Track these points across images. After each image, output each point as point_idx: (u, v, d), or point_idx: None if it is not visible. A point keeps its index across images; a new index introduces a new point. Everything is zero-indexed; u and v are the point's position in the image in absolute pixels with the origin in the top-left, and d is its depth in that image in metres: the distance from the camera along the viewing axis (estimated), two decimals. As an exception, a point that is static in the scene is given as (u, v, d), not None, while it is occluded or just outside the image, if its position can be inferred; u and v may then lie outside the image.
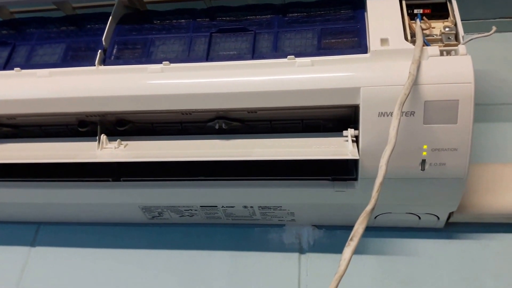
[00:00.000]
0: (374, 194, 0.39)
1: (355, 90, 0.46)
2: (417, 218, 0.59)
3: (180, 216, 0.63)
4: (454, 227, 0.61)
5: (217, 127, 0.52)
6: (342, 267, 0.36)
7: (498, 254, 0.58)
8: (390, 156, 0.41)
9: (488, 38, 0.50)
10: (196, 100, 0.49)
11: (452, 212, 0.57)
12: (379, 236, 0.62)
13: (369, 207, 0.39)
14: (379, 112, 0.46)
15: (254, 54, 0.51)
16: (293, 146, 0.50)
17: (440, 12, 0.51)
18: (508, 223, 0.59)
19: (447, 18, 0.51)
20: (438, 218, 0.58)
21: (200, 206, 0.60)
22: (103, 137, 0.54)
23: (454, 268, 0.58)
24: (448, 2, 0.51)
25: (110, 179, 0.57)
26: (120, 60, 0.54)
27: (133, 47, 0.55)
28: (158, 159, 0.51)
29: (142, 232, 0.67)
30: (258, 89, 0.48)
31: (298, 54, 0.49)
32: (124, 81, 0.52)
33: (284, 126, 0.53)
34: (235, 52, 0.52)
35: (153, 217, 0.64)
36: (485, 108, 0.70)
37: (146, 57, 0.53)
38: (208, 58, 0.52)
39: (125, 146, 0.53)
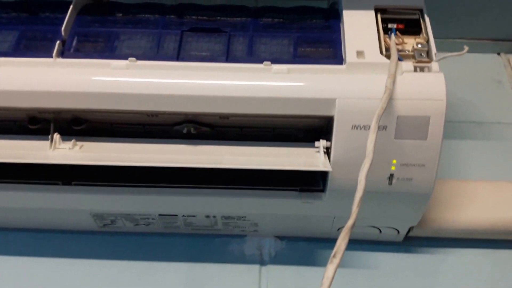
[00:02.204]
0: (355, 209, 0.39)
1: (331, 101, 0.46)
2: (378, 231, 0.59)
3: (135, 225, 0.60)
4: (412, 241, 0.61)
5: (185, 131, 0.49)
6: (325, 286, 0.35)
7: (454, 268, 0.60)
8: (368, 170, 0.40)
9: (453, 58, 0.51)
10: (166, 102, 0.46)
11: (412, 227, 0.58)
12: (340, 249, 0.61)
13: (350, 222, 0.38)
14: (352, 125, 0.46)
15: (229, 56, 0.49)
16: (263, 155, 0.48)
17: (413, 28, 0.52)
18: (464, 238, 0.61)
19: (419, 35, 0.52)
20: (399, 232, 0.59)
21: (159, 215, 0.57)
22: (57, 136, 0.49)
23: (412, 281, 0.59)
24: (421, 19, 0.52)
25: (60, 182, 0.52)
26: (80, 53, 0.50)
27: (96, 40, 0.51)
28: (116, 163, 0.47)
29: (91, 240, 0.62)
30: (233, 94, 0.46)
31: (274, 61, 0.48)
32: (84, 76, 0.47)
33: (255, 133, 0.51)
34: (208, 53, 0.49)
35: (105, 225, 0.60)
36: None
37: (109, 51, 0.50)
38: (178, 57, 0.49)
39: (80, 147, 0.49)
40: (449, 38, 0.80)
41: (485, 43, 0.84)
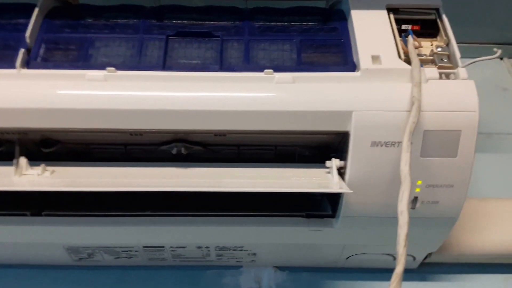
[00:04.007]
0: (402, 250, 0.32)
1: (346, 115, 0.39)
2: (392, 258, 0.53)
3: (116, 258, 0.52)
4: (427, 268, 0.55)
5: (174, 151, 0.42)
6: None
7: (474, 296, 0.54)
8: (408, 198, 0.33)
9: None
10: (151, 118, 0.39)
11: (431, 253, 0.52)
12: (349, 279, 0.55)
13: (399, 269, 0.31)
14: (372, 141, 0.39)
15: (223, 65, 0.42)
16: (268, 177, 0.42)
17: (428, 29, 0.46)
18: (485, 263, 0.55)
19: (436, 37, 0.46)
20: (414, 258, 0.53)
21: (143, 247, 0.49)
22: (23, 160, 0.42)
23: (430, 313, 0.53)
24: (438, 20, 0.46)
25: (28, 213, 0.44)
26: (49, 63, 0.42)
27: (66, 47, 0.43)
28: (91, 189, 0.40)
29: (65, 276, 0.54)
30: (231, 108, 0.39)
31: (276, 68, 0.41)
32: (54, 90, 0.40)
33: (254, 152, 0.44)
34: (198, 61, 0.42)
35: (81, 258, 0.52)
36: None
37: (83, 60, 0.42)
38: (165, 66, 0.42)
39: (51, 173, 0.42)
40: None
41: (487, 47, 0.79)
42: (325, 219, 0.46)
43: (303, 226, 0.46)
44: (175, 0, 0.49)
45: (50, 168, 0.42)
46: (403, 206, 0.33)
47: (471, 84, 0.40)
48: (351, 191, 0.39)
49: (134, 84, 0.40)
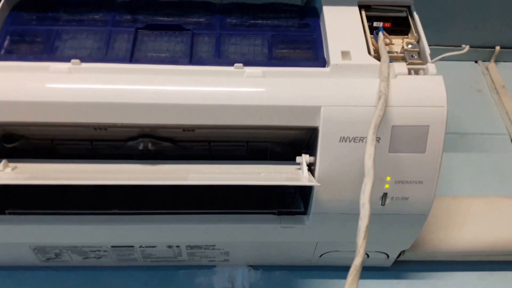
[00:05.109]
0: (361, 242, 0.31)
1: (315, 110, 0.39)
2: (366, 256, 0.52)
3: (84, 258, 0.50)
4: (401, 266, 0.55)
5: (141, 147, 0.41)
6: None
7: (448, 294, 0.54)
8: (371, 191, 0.33)
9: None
10: (117, 112, 0.38)
11: (404, 250, 0.52)
12: (322, 277, 0.55)
13: (358, 261, 0.30)
14: (341, 137, 0.39)
15: (193, 58, 0.41)
16: (237, 173, 0.41)
17: (399, 27, 0.46)
18: (458, 261, 0.55)
19: (407, 35, 0.46)
20: (388, 256, 0.53)
21: (111, 247, 0.48)
22: (-18, 156, 0.40)
23: (403, 311, 0.53)
24: (409, 17, 0.46)
25: (-11, 211, 0.43)
26: (13, 55, 0.41)
27: (32, 39, 0.42)
28: (56, 182, 0.38)
29: (32, 277, 0.53)
30: (199, 102, 0.38)
31: (246, 63, 0.41)
32: (17, 82, 0.39)
33: (225, 148, 0.43)
34: (167, 55, 0.42)
35: (48, 259, 0.51)
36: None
37: (48, 53, 0.41)
38: (132, 59, 0.41)
39: (12, 169, 0.40)
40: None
41: (463, 48, 0.80)
42: (296, 216, 0.45)
43: (275, 223, 0.45)
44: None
45: (12, 165, 0.40)
46: (365, 199, 0.32)
47: (439, 79, 0.40)
48: (319, 184, 0.38)
49: (99, 76, 0.39)
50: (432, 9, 0.75)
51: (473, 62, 0.82)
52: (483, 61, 0.82)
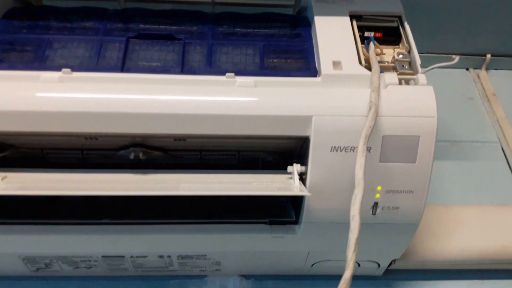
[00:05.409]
0: (351, 255, 0.31)
1: (306, 119, 0.39)
2: (357, 265, 0.53)
3: (75, 268, 0.50)
4: (393, 275, 0.55)
5: (132, 156, 0.41)
6: None
7: (439, 304, 0.54)
8: (361, 203, 0.33)
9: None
10: (107, 122, 0.38)
11: (395, 259, 0.52)
12: (314, 286, 0.55)
13: (347, 274, 0.30)
14: (332, 146, 0.39)
15: (184, 67, 0.41)
16: (228, 182, 0.41)
17: (391, 37, 0.46)
18: (449, 270, 0.55)
19: (398, 45, 0.46)
20: (379, 265, 0.53)
21: (102, 257, 0.48)
22: (-29, 165, 0.40)
23: (395, 321, 0.53)
24: (400, 27, 0.46)
25: (-21, 221, 0.43)
26: (3, 63, 0.41)
27: (23, 48, 0.42)
28: (46, 192, 0.38)
29: (22, 287, 0.52)
30: (190, 112, 0.38)
31: (238, 72, 0.41)
32: (7, 92, 0.39)
33: (217, 158, 0.43)
34: (159, 64, 0.42)
35: (38, 269, 0.50)
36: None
37: (39, 61, 0.41)
38: (123, 68, 0.41)
39: (2, 179, 0.40)
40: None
41: (453, 58, 0.81)
42: (288, 225, 0.45)
43: (266, 233, 0.45)
44: (143, 4, 0.49)
45: (1, 174, 0.40)
46: (355, 211, 0.32)
47: (430, 90, 0.40)
48: (309, 194, 0.38)
49: (90, 86, 0.39)
50: (423, 17, 0.75)
51: (465, 70, 0.83)
52: (475, 68, 0.83)
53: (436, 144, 0.68)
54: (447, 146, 0.71)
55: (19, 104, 0.38)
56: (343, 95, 0.40)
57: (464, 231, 0.54)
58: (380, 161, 0.40)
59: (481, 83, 0.80)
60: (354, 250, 0.31)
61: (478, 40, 0.80)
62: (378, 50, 0.45)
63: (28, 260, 0.49)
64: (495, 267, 0.55)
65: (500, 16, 0.77)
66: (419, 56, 0.44)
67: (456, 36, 0.79)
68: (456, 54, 0.80)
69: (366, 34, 0.46)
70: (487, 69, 0.82)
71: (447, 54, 0.80)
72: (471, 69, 0.83)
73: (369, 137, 0.36)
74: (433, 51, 0.80)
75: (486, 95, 0.78)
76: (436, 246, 0.52)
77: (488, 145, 0.72)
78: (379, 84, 0.39)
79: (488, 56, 0.81)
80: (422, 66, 0.45)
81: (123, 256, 0.48)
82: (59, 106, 0.38)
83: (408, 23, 0.46)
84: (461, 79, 0.82)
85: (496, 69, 0.83)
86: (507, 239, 0.52)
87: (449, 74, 0.81)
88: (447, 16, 0.76)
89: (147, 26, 0.45)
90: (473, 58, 0.82)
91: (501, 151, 0.71)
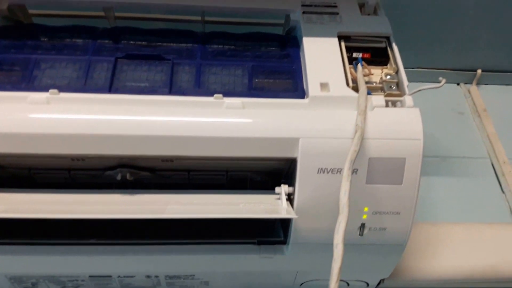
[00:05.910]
0: (334, 285, 0.31)
1: (294, 141, 0.39)
2: (346, 284, 0.52)
3: None
4: (382, 293, 0.55)
5: (119, 177, 0.41)
6: None
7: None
8: (345, 229, 0.33)
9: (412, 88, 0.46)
10: (94, 143, 0.38)
11: (383, 279, 0.52)
12: (304, 305, 0.54)
13: None
14: (319, 168, 0.39)
15: (172, 88, 0.41)
16: (216, 203, 0.41)
17: (379, 57, 0.47)
18: (438, 288, 0.55)
19: (387, 65, 0.47)
20: (368, 284, 0.52)
21: (90, 276, 0.47)
22: (-43, 185, 0.40)
23: None
24: (388, 48, 0.47)
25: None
26: (-10, 84, 0.41)
27: (10, 68, 0.42)
28: (32, 216, 0.38)
29: (8, 306, 0.51)
30: (178, 133, 0.38)
31: (226, 93, 0.41)
32: (-8, 113, 0.38)
33: (205, 178, 0.43)
34: (147, 84, 0.42)
35: None
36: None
37: (27, 82, 0.41)
38: (111, 89, 0.41)
39: (-12, 199, 0.40)
40: (407, 68, 0.77)
41: (444, 73, 0.82)
42: (276, 245, 0.45)
43: (255, 253, 0.45)
44: (134, 23, 0.49)
45: (-13, 194, 0.40)
46: (338, 239, 0.32)
47: (416, 112, 0.40)
48: (296, 216, 0.38)
49: (78, 107, 0.39)
50: (414, 31, 0.76)
51: (455, 84, 0.84)
52: (465, 83, 0.84)
53: (426, 159, 0.68)
54: (437, 162, 0.71)
55: (5, 126, 0.38)
56: (330, 117, 0.40)
57: (452, 250, 0.54)
58: (367, 182, 0.40)
59: (472, 98, 0.81)
60: (337, 281, 0.31)
61: (469, 55, 0.80)
62: (366, 71, 0.46)
63: (15, 279, 0.48)
64: (484, 286, 0.55)
65: (491, 32, 0.77)
66: (410, 71, 0.44)
67: (447, 51, 0.80)
68: (447, 69, 0.81)
69: (354, 54, 0.46)
70: (478, 84, 0.83)
71: (438, 69, 0.81)
72: (462, 84, 0.83)
73: (354, 161, 0.36)
74: (424, 66, 0.80)
75: (477, 110, 0.79)
76: (425, 265, 0.52)
77: (478, 161, 0.72)
78: (366, 107, 0.39)
79: (479, 71, 0.81)
80: (413, 80, 0.45)
81: (110, 276, 0.47)
82: (46, 128, 0.37)
83: (400, 38, 0.46)
84: (452, 94, 0.82)
85: (487, 84, 0.84)
86: (496, 258, 0.52)
87: (440, 89, 0.80)
88: (438, 31, 0.77)
89: (136, 45, 0.45)
90: (464, 73, 0.83)
91: (491, 166, 0.71)
